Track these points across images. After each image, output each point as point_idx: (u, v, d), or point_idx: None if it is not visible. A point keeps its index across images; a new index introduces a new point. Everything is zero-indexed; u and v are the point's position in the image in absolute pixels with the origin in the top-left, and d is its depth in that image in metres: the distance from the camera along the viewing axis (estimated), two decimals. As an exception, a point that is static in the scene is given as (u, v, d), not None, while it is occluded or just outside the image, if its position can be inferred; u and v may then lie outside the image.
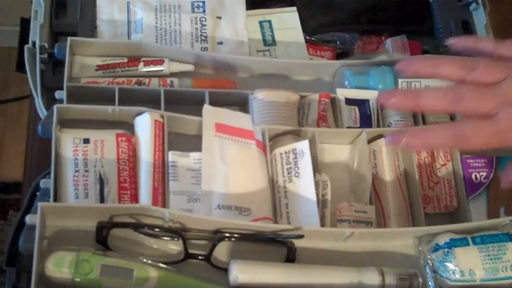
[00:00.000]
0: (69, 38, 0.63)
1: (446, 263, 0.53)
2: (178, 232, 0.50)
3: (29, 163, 0.79)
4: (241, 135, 0.58)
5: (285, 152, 0.57)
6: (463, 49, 0.56)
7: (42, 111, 0.65)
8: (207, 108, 0.59)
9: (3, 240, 1.51)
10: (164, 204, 0.54)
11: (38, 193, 0.57)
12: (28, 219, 0.48)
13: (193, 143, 0.59)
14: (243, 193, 0.54)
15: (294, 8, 0.75)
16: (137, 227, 0.50)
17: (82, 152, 0.54)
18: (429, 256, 0.54)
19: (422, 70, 0.53)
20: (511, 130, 0.48)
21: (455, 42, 0.56)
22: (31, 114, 0.83)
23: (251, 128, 0.59)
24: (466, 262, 0.53)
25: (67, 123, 0.58)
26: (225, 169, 0.55)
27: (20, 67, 0.73)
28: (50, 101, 0.65)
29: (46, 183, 0.54)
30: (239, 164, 0.56)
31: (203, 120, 0.58)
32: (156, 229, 0.50)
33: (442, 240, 0.54)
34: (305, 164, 0.55)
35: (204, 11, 0.72)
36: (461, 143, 0.50)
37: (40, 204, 0.48)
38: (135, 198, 0.54)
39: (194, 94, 0.64)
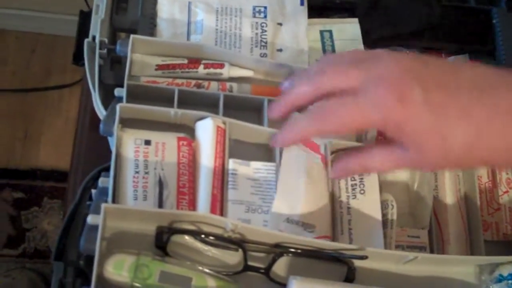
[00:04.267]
0: (131, 36, 0.63)
1: (509, 295, 0.52)
2: (239, 243, 0.49)
3: (77, 155, 0.79)
4: (312, 149, 0.57)
5: None
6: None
7: (98, 107, 0.64)
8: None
9: (36, 227, 1.53)
10: (222, 212, 0.53)
11: (93, 190, 0.57)
12: (90, 219, 0.48)
13: (252, 151, 0.58)
14: (310, 209, 0.52)
15: (356, 20, 0.74)
16: (198, 234, 0.49)
17: (143, 153, 0.53)
18: (491, 287, 0.53)
19: (285, 105, 0.49)
20: (378, 97, 0.43)
21: (275, 113, 0.51)
22: (81, 106, 0.84)
23: (318, 142, 0.58)
24: (530, 295, 0.52)
25: (126, 122, 0.57)
26: (299, 183, 0.54)
27: (77, 59, 0.73)
28: (105, 96, 0.65)
29: (105, 182, 0.53)
30: (310, 179, 0.55)
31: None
32: (216, 238, 0.49)
33: (506, 271, 0.53)
34: (372, 182, 0.54)
35: (265, 17, 0.71)
36: (324, 124, 0.45)
37: (103, 205, 0.47)
38: (192, 203, 0.53)
39: (253, 100, 0.63)
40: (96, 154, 0.78)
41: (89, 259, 0.55)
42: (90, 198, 0.61)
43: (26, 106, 1.64)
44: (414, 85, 0.43)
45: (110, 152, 0.73)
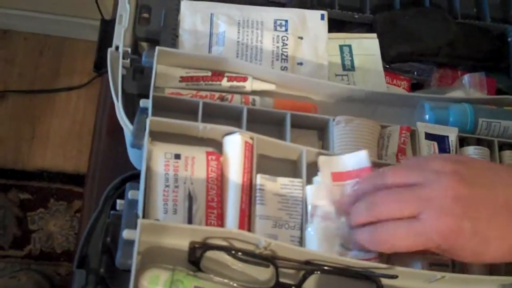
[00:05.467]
0: (157, 48, 0.63)
1: (530, 315, 0.53)
2: (272, 260, 0.50)
3: (94, 161, 0.80)
4: (360, 175, 0.57)
5: None
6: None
7: (122, 117, 0.65)
8: (322, 159, 0.58)
9: (42, 229, 1.52)
10: (250, 227, 0.54)
11: (118, 200, 0.58)
12: (126, 234, 0.48)
13: (278, 166, 0.59)
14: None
15: (375, 35, 0.75)
16: (231, 251, 0.50)
17: (173, 167, 0.54)
18: (513, 306, 0.54)
19: (350, 203, 0.54)
20: (435, 232, 0.49)
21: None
22: (98, 113, 0.84)
23: (368, 163, 0.57)
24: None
25: (151, 134, 0.58)
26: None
27: (98, 67, 0.73)
28: (124, 104, 0.65)
29: (134, 194, 0.54)
30: None
31: (319, 171, 0.58)
32: (249, 255, 0.50)
33: (528, 291, 0.54)
34: None
35: (286, 30, 0.72)
36: (382, 247, 0.51)
37: (140, 221, 0.48)
38: (221, 218, 0.54)
39: (275, 114, 0.63)
40: (112, 160, 0.79)
41: (110, 267, 0.56)
42: (113, 207, 0.62)
43: (33, 108, 1.64)
44: (465, 216, 0.49)
45: (127, 159, 0.74)
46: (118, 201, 0.58)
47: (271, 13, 0.72)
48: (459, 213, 0.49)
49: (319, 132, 0.66)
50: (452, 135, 0.65)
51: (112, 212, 0.59)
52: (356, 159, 0.58)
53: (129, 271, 0.48)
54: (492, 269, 0.59)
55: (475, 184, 0.50)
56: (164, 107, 0.61)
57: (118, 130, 0.68)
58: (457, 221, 0.49)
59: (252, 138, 0.58)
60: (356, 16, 0.77)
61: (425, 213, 0.49)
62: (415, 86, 0.76)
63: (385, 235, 0.50)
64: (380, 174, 0.53)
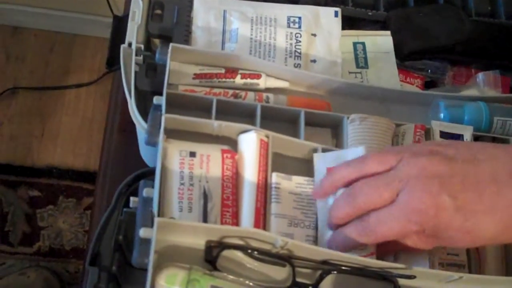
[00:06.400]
0: (171, 44, 0.63)
1: (549, 316, 0.53)
2: (288, 260, 0.50)
3: (106, 159, 0.79)
4: None
5: None
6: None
7: (135, 114, 0.64)
8: (317, 155, 0.58)
9: (51, 226, 1.52)
10: (265, 226, 0.54)
11: (131, 198, 0.57)
12: (142, 232, 0.48)
13: (293, 165, 0.59)
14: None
15: (388, 32, 0.74)
16: (248, 250, 0.50)
17: (188, 165, 0.54)
18: (530, 307, 0.54)
19: (326, 186, 0.54)
20: (412, 211, 0.47)
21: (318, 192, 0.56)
22: (110, 110, 0.84)
23: None
24: None
25: (167, 132, 0.57)
26: None
27: (111, 64, 0.73)
28: (139, 103, 0.65)
29: (149, 192, 0.54)
30: None
31: (314, 167, 0.57)
32: (266, 254, 0.50)
33: (547, 292, 0.53)
34: None
35: (299, 27, 0.71)
36: (370, 238, 0.50)
37: (157, 220, 0.47)
38: (236, 216, 0.54)
39: (289, 112, 0.63)
40: (124, 157, 0.78)
41: (122, 265, 0.56)
42: (125, 205, 0.62)
43: (43, 105, 1.65)
44: (442, 193, 0.47)
45: (139, 156, 0.74)
46: (131, 198, 0.57)
47: (284, 10, 0.72)
48: (436, 189, 0.47)
49: (333, 130, 0.65)
50: (467, 133, 0.65)
51: (125, 209, 0.59)
52: (353, 154, 0.57)
53: (144, 269, 0.47)
54: (508, 268, 0.58)
55: (455, 160, 0.48)
56: (177, 104, 0.60)
57: (129, 127, 0.67)
58: (433, 197, 0.47)
59: (267, 136, 0.57)
60: (370, 13, 0.76)
61: (400, 195, 0.48)
62: (429, 84, 0.75)
63: (371, 227, 0.49)
64: (358, 163, 0.52)
